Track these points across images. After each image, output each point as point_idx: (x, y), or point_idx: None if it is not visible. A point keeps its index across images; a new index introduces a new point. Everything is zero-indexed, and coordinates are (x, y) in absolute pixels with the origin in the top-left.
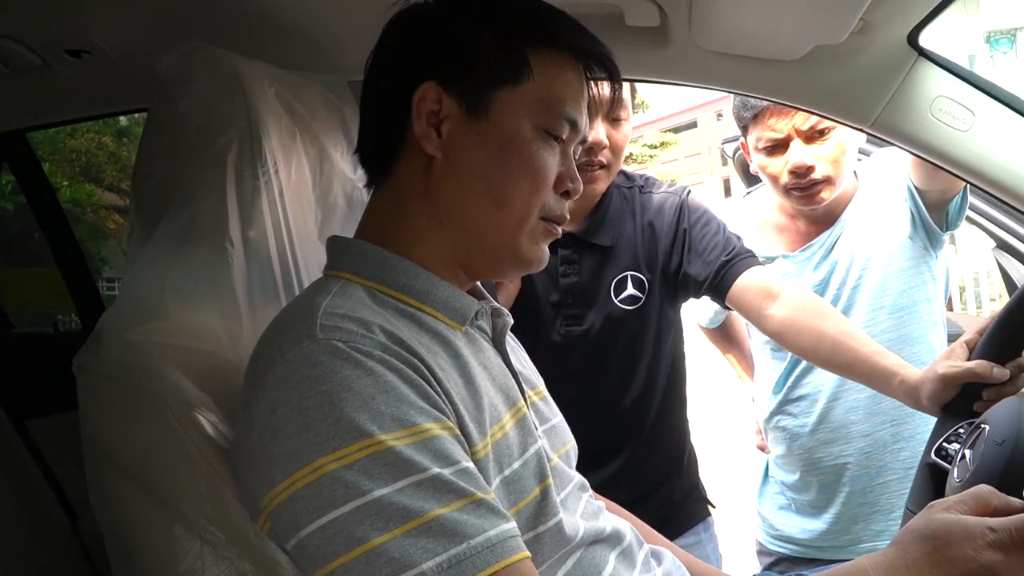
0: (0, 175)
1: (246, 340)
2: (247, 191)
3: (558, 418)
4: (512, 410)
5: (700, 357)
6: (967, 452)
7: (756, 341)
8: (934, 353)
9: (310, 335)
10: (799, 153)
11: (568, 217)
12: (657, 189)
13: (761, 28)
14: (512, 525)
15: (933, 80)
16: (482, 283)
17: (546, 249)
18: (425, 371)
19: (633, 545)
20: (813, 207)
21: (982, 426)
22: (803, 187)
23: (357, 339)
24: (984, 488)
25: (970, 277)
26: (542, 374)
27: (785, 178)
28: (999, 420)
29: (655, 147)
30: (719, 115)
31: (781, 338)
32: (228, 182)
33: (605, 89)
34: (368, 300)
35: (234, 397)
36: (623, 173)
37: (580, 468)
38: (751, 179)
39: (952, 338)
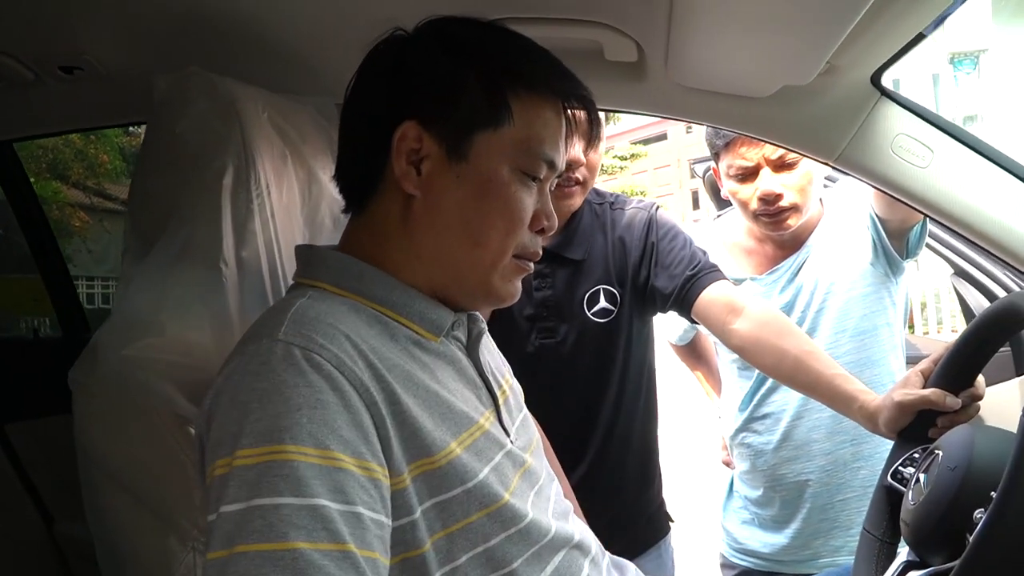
0: None
1: None
2: (241, 213)
3: (524, 410)
4: (478, 424)
5: (669, 374)
6: (921, 476)
7: (723, 359)
8: (893, 376)
9: (271, 334)
10: (768, 181)
11: (541, 253)
12: (627, 205)
13: (733, 68)
14: None
15: (894, 119)
16: None
17: (518, 285)
18: (375, 395)
19: (599, 555)
20: (780, 233)
21: (936, 452)
22: (771, 214)
23: (315, 348)
24: None
25: (931, 294)
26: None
27: (754, 204)
28: (952, 446)
29: (625, 158)
30: (688, 128)
31: (744, 353)
32: (223, 204)
33: (580, 112)
34: (343, 308)
35: None
36: (594, 190)
37: None
38: (721, 202)
39: (911, 360)
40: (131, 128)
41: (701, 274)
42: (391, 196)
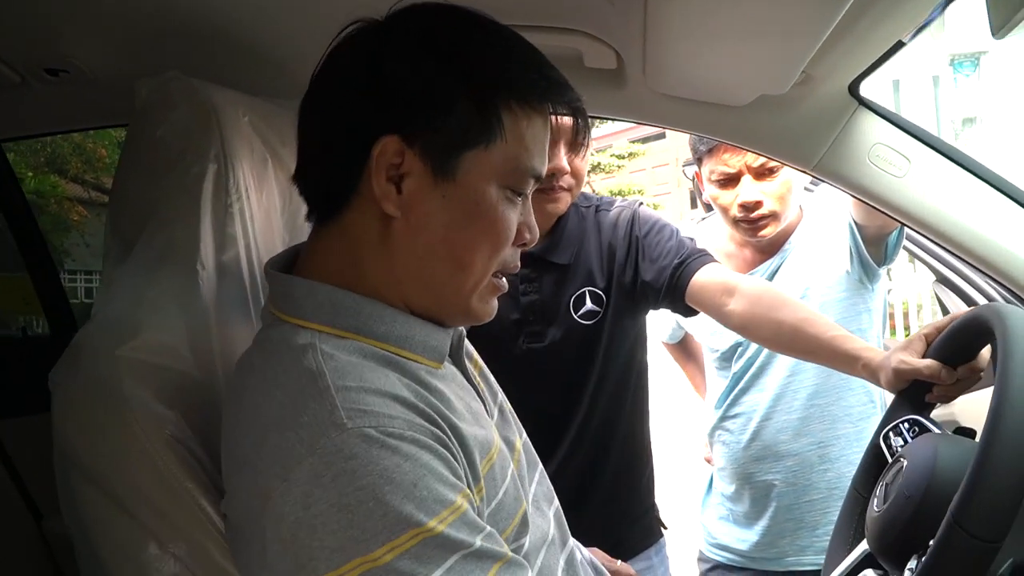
0: None
1: (216, 360)
2: (220, 216)
3: (502, 402)
4: (491, 438)
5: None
6: (883, 487)
7: (707, 357)
8: (863, 382)
9: (336, 423)
10: (748, 189)
11: (519, 266)
12: (611, 207)
13: (709, 77)
14: (527, 571)
15: (872, 128)
16: None
17: (495, 303)
18: (446, 438)
19: (575, 553)
20: (758, 239)
21: (900, 461)
22: (750, 220)
23: (386, 422)
24: None
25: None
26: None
27: (734, 211)
28: (914, 464)
29: (623, 157)
30: None
31: (743, 332)
32: (202, 208)
33: (568, 119)
34: (356, 358)
35: (202, 415)
36: (581, 194)
37: None
38: (708, 206)
39: None
40: None
41: (690, 260)
42: (367, 212)
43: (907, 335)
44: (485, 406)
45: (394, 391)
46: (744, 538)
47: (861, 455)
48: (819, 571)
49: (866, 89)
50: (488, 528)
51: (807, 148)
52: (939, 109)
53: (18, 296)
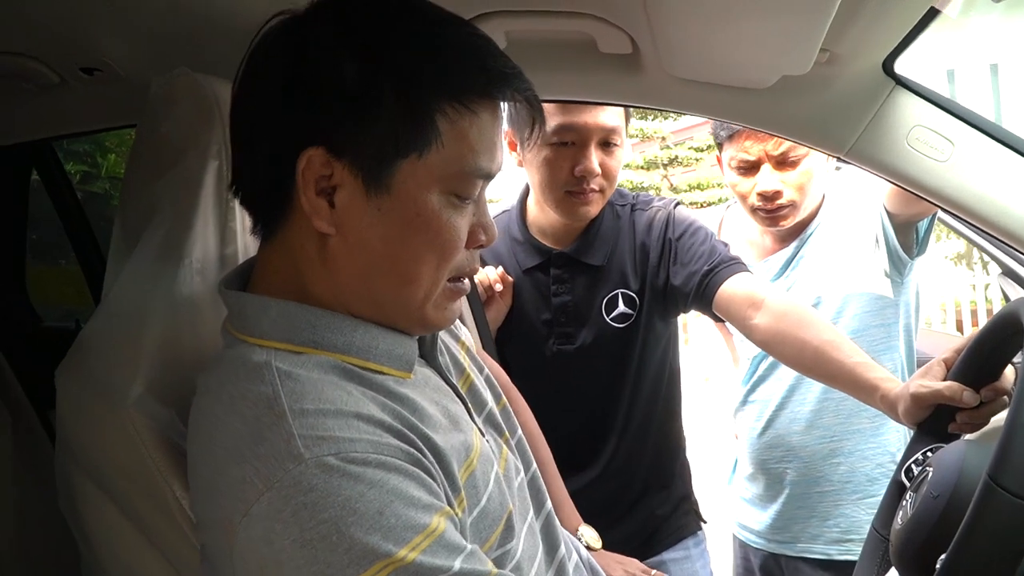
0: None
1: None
2: (221, 211)
3: (489, 399)
4: (472, 442)
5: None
6: (910, 496)
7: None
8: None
9: (293, 454)
10: (768, 178)
11: (479, 269)
12: (648, 206)
13: (724, 58)
14: None
15: (910, 109)
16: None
17: (456, 307)
18: (417, 454)
19: (566, 557)
20: (776, 228)
21: (927, 469)
22: (768, 210)
23: (346, 447)
24: None
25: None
26: (532, 388)
27: (753, 199)
28: (941, 467)
29: (701, 150)
30: None
31: (767, 348)
32: (203, 202)
33: (602, 119)
34: (317, 372)
35: None
36: (617, 192)
37: (563, 470)
38: None
39: (921, 363)
40: None
41: (720, 268)
42: (303, 228)
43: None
44: (466, 406)
45: (356, 409)
46: (760, 519)
47: (876, 450)
48: (829, 561)
49: (908, 70)
50: (469, 547)
51: (839, 132)
52: (999, 100)
53: (70, 289)
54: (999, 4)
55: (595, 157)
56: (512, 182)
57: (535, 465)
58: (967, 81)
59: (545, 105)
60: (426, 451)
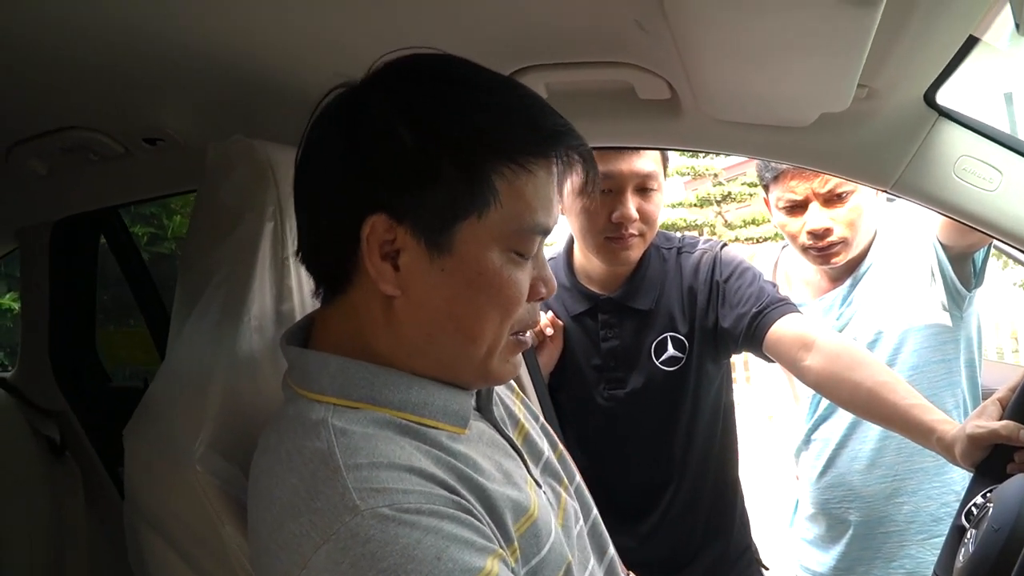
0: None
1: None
2: (278, 270)
3: (546, 448)
4: (529, 498)
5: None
6: (972, 532)
7: None
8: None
9: (349, 506)
10: (816, 216)
11: (540, 320)
12: (695, 248)
13: (761, 99)
14: None
15: (955, 139)
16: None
17: (517, 361)
18: (468, 504)
19: None
20: (830, 266)
21: (988, 505)
22: (820, 248)
23: (400, 498)
24: None
25: None
26: (585, 434)
27: (803, 238)
28: (1002, 502)
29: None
30: None
31: (819, 390)
32: (259, 263)
33: (638, 165)
34: (372, 428)
35: None
36: (662, 234)
37: (617, 523)
38: None
39: (987, 395)
40: None
41: (769, 309)
42: (368, 290)
43: None
44: (523, 460)
45: (409, 463)
46: (823, 561)
47: (941, 489)
48: None
49: (964, 103)
50: None
51: (884, 166)
52: None
53: (138, 349)
54: None
55: (632, 203)
56: (561, 229)
57: (595, 511)
58: None
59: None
60: (477, 502)
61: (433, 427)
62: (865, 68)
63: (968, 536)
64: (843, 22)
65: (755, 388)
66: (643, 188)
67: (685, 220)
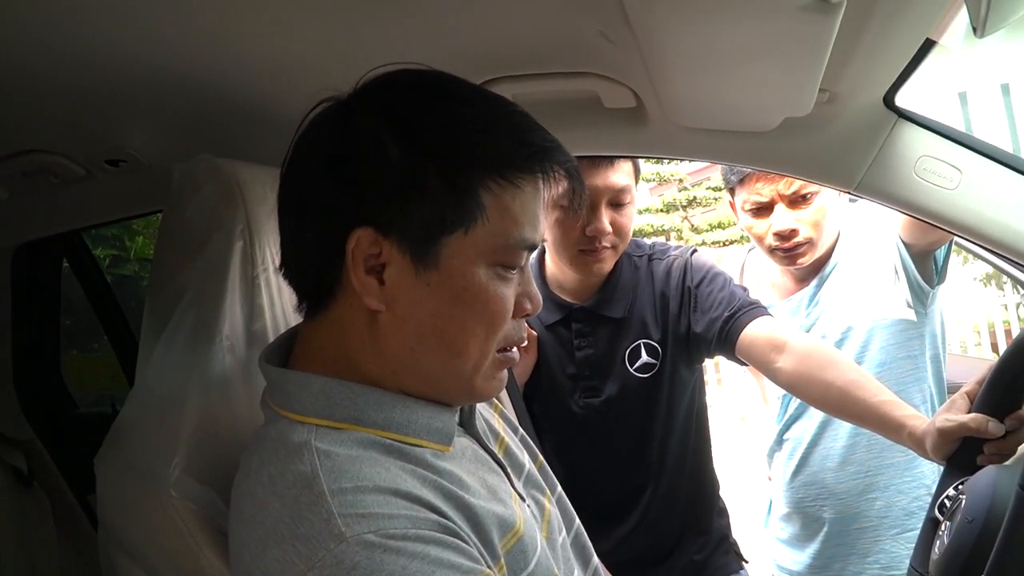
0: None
1: (249, 432)
2: (248, 289)
3: (526, 460)
4: (514, 513)
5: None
6: (946, 524)
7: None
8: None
9: (334, 533)
10: (782, 218)
11: (525, 337)
12: (665, 255)
13: (725, 106)
14: None
15: (915, 140)
16: None
17: (502, 377)
18: (454, 527)
19: None
20: (796, 267)
21: (960, 497)
22: (786, 249)
23: (385, 524)
24: None
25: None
26: (562, 443)
27: (769, 239)
28: (974, 493)
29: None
30: None
31: (793, 391)
32: (230, 283)
33: (612, 179)
34: (356, 450)
35: None
36: (634, 242)
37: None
38: None
39: (952, 389)
40: None
41: (740, 313)
42: (352, 305)
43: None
44: (506, 474)
45: (394, 485)
46: (798, 560)
47: (912, 484)
48: None
49: (921, 103)
50: None
51: (847, 168)
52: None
53: (106, 374)
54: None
55: (605, 217)
56: None
57: (577, 521)
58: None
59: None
60: (463, 521)
61: (417, 445)
62: (826, 73)
63: (943, 528)
64: (804, 28)
65: (727, 390)
66: (616, 202)
67: (652, 226)
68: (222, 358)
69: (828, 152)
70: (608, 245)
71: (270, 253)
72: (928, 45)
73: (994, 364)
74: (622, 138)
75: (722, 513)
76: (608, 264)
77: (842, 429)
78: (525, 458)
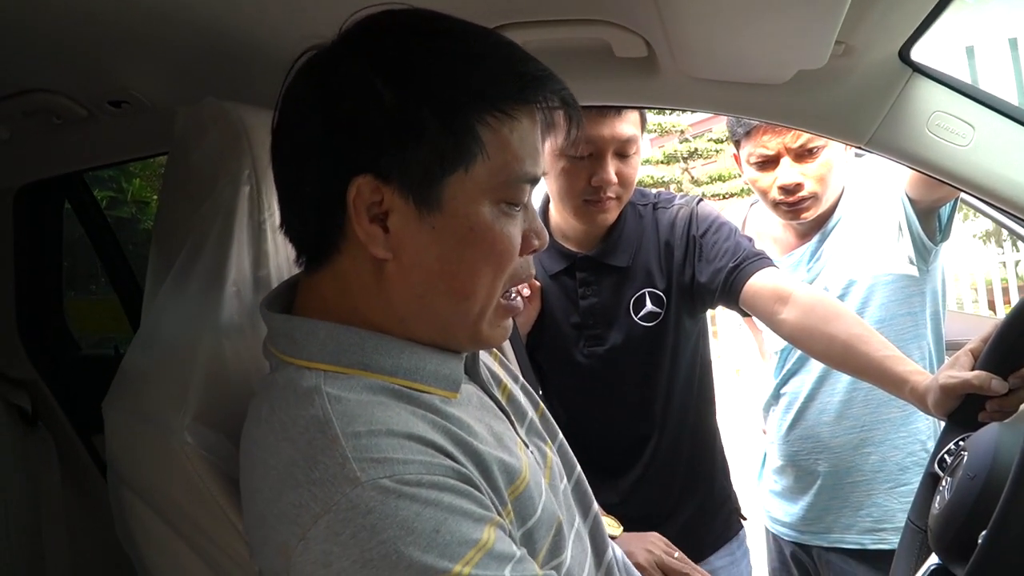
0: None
1: (255, 376)
2: (255, 234)
3: (528, 408)
4: (519, 459)
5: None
6: (947, 480)
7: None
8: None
9: (349, 478)
10: (788, 171)
11: (534, 274)
12: (671, 204)
13: (739, 56)
14: None
15: (929, 95)
16: None
17: (508, 325)
18: (467, 472)
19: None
20: (799, 221)
21: (962, 453)
22: (790, 203)
23: (400, 469)
24: None
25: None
26: (566, 391)
27: (774, 193)
28: (976, 450)
29: (721, 141)
30: None
31: (795, 343)
32: (236, 228)
33: (619, 129)
34: (366, 395)
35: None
36: (638, 191)
37: (600, 480)
38: None
39: (950, 346)
40: None
41: (746, 263)
42: (358, 256)
43: (1007, 310)
44: (511, 421)
45: (408, 429)
46: (791, 512)
47: (907, 439)
48: (863, 551)
49: (929, 57)
50: (518, 553)
51: (859, 122)
52: (1020, 73)
53: (108, 317)
54: None
55: (611, 167)
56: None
57: (578, 468)
58: (987, 57)
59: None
60: (473, 466)
61: (426, 392)
62: (843, 24)
63: (943, 484)
64: None
65: (723, 342)
66: (623, 152)
67: (652, 177)
68: (231, 304)
69: (840, 106)
70: (613, 196)
71: (276, 199)
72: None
73: (999, 322)
74: (632, 88)
75: (724, 469)
76: (613, 214)
77: (839, 384)
78: (527, 406)
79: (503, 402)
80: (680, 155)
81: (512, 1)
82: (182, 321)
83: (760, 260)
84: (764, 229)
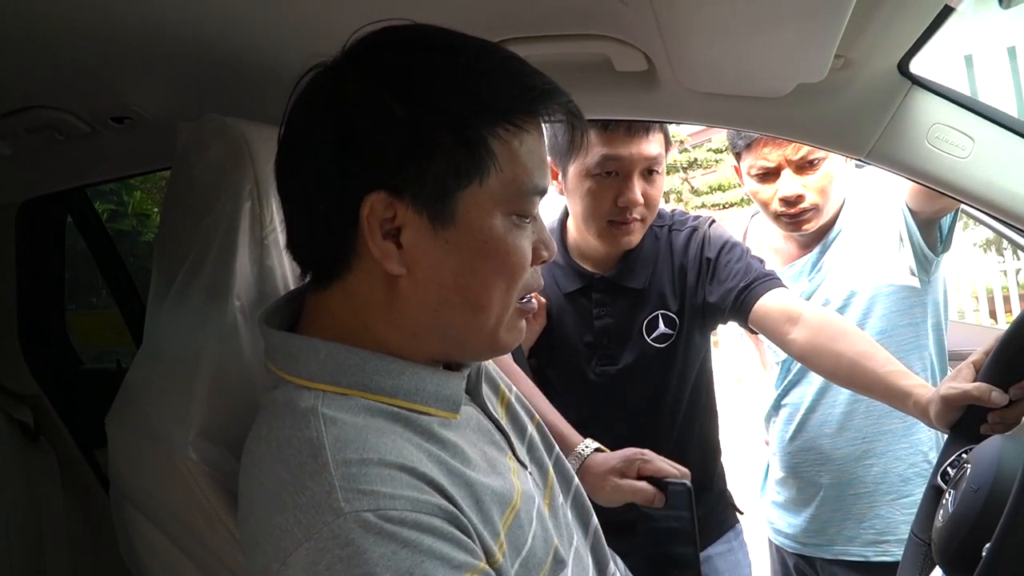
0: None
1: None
2: (256, 250)
3: (527, 421)
4: (512, 486)
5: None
6: (950, 493)
7: (766, 341)
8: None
9: (333, 507)
10: (789, 183)
11: (542, 284)
12: (684, 226)
13: (738, 70)
14: None
15: (929, 108)
16: None
17: (522, 327)
18: (454, 510)
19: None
20: (800, 233)
21: (965, 466)
22: (792, 215)
23: (386, 503)
24: None
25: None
26: (576, 409)
27: (775, 205)
28: (980, 462)
29: (720, 151)
30: None
31: (806, 363)
32: (239, 244)
33: (645, 149)
34: (362, 418)
35: None
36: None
37: None
38: None
39: (951, 356)
40: None
41: (756, 284)
42: (371, 273)
43: (1008, 319)
44: (509, 441)
45: (400, 459)
46: (794, 523)
47: (909, 450)
48: (866, 563)
49: (927, 68)
50: None
51: (859, 135)
52: (1019, 83)
53: (109, 330)
54: None
55: (638, 187)
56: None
57: (575, 481)
58: (985, 66)
59: (589, 136)
60: (465, 498)
61: (425, 413)
62: (842, 38)
63: (947, 497)
64: None
65: (723, 352)
66: (649, 172)
67: None
68: (234, 320)
69: (840, 119)
70: (638, 217)
71: (279, 214)
72: (946, 11)
73: (1001, 334)
74: (632, 102)
75: (721, 472)
76: (637, 236)
77: (840, 395)
78: (526, 419)
79: (502, 420)
80: (680, 165)
81: (514, 16)
82: (185, 336)
83: (770, 281)
84: (765, 240)
